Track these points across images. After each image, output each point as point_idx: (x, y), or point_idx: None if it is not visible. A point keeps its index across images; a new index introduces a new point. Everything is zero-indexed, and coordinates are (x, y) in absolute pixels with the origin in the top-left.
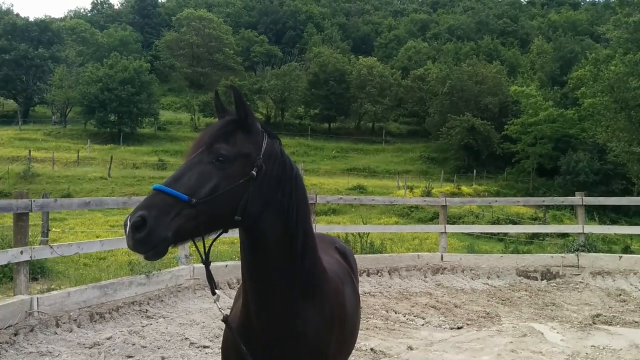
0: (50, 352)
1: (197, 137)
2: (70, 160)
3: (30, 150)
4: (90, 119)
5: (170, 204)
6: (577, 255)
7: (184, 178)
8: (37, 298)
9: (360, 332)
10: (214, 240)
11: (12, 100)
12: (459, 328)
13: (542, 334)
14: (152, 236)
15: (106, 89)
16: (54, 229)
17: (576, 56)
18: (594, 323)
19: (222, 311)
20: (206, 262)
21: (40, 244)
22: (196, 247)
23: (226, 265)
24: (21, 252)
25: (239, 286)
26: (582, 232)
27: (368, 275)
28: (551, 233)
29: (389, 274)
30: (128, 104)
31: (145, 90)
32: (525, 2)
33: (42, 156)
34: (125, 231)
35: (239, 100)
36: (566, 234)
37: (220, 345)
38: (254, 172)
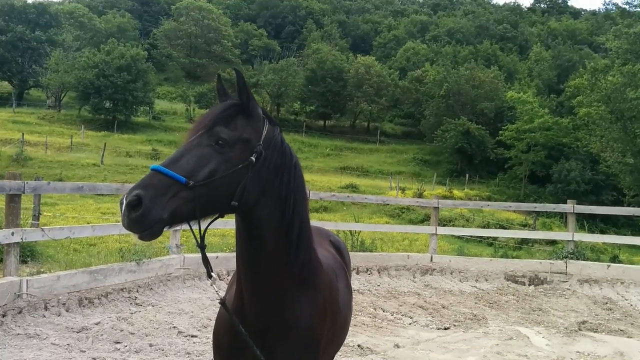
0: (38, 335)
1: (197, 119)
2: (64, 145)
3: (23, 134)
4: (85, 104)
5: (167, 185)
6: (566, 263)
7: (182, 160)
8: (27, 280)
9: None
10: (210, 224)
11: (6, 82)
12: (445, 329)
13: (528, 337)
14: (147, 216)
15: (102, 75)
16: (45, 213)
17: (574, 65)
18: (580, 329)
19: (219, 292)
20: (201, 246)
21: (31, 227)
22: (191, 230)
23: (217, 257)
24: (12, 234)
25: (232, 274)
26: (572, 239)
27: (357, 273)
28: (540, 240)
29: (379, 273)
30: (123, 92)
31: (142, 78)
32: (526, 9)
33: (35, 140)
34: (121, 210)
35: (242, 84)
36: (555, 241)
37: (208, 336)
38: (253, 158)
